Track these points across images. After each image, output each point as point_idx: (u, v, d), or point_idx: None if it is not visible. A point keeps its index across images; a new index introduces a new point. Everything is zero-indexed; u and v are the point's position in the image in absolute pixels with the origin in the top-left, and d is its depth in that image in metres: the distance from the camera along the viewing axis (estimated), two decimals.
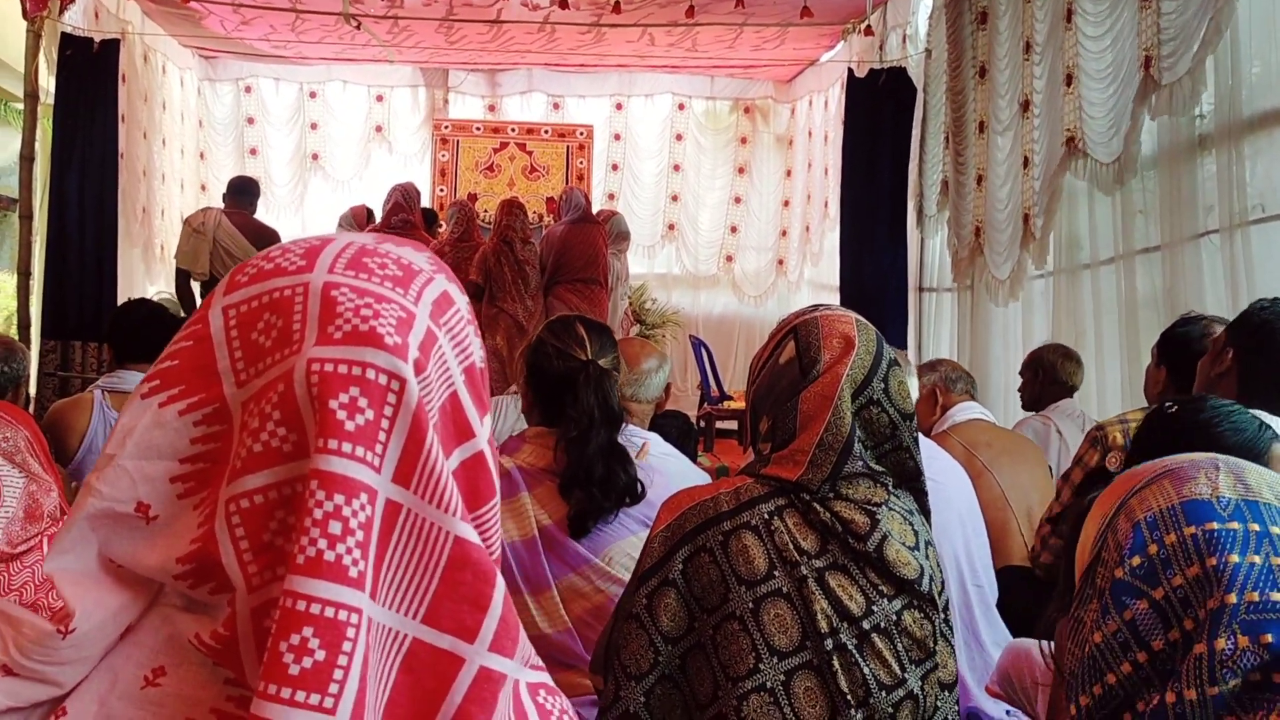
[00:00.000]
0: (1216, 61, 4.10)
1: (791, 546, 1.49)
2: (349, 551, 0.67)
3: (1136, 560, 1.10)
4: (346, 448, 0.68)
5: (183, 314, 6.73)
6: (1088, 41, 4.75)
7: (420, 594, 0.71)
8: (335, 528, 0.67)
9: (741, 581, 1.48)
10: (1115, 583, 1.10)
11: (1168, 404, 2.02)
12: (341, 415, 0.68)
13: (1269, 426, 1.94)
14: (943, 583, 1.57)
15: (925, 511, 1.63)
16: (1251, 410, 2.36)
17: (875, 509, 1.52)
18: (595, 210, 8.56)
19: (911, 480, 1.63)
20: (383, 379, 0.70)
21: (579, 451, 2.08)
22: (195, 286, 6.92)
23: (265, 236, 6.85)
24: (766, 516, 1.51)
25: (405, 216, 7.19)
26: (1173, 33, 4.18)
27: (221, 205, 7.06)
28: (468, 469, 0.75)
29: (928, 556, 1.54)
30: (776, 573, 1.48)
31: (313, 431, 0.69)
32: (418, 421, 0.71)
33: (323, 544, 0.66)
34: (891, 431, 1.59)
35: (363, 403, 0.69)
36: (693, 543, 1.53)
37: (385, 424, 0.70)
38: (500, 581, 0.73)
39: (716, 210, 10.59)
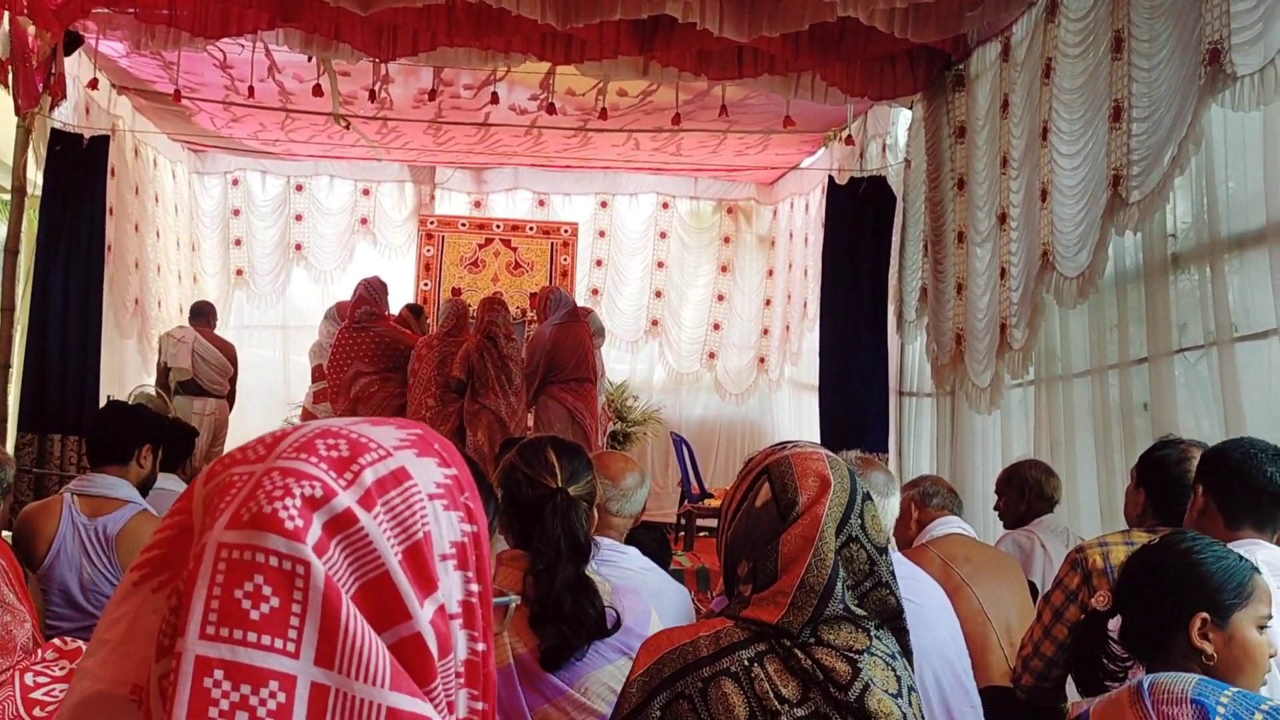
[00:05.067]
0: (1192, 181, 4.20)
1: (772, 695, 1.48)
2: None
3: None
4: (252, 637, 0.69)
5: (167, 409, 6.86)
6: (1061, 159, 4.86)
7: None
8: (242, 718, 0.67)
9: None
10: None
11: (1153, 539, 2.04)
12: (247, 605, 0.69)
13: (1246, 559, 1.97)
14: None
15: (908, 653, 1.63)
16: (1240, 540, 2.40)
17: (857, 656, 1.51)
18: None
19: (894, 619, 1.62)
20: (287, 564, 0.71)
21: (546, 584, 2.06)
22: (173, 384, 7.74)
23: (227, 349, 8.24)
24: (746, 663, 1.50)
25: (369, 309, 7.24)
26: (1142, 153, 4.28)
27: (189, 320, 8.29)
28: (402, 651, 0.75)
29: (910, 703, 1.53)
30: None
31: (196, 615, 0.69)
32: (329, 601, 0.71)
33: None
34: (870, 568, 1.60)
35: (267, 590, 0.70)
36: (671, 689, 1.51)
37: (296, 608, 0.70)
38: None
39: (700, 307, 10.69)
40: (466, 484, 0.84)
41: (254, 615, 0.69)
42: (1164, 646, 1.85)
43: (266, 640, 0.69)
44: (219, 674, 0.68)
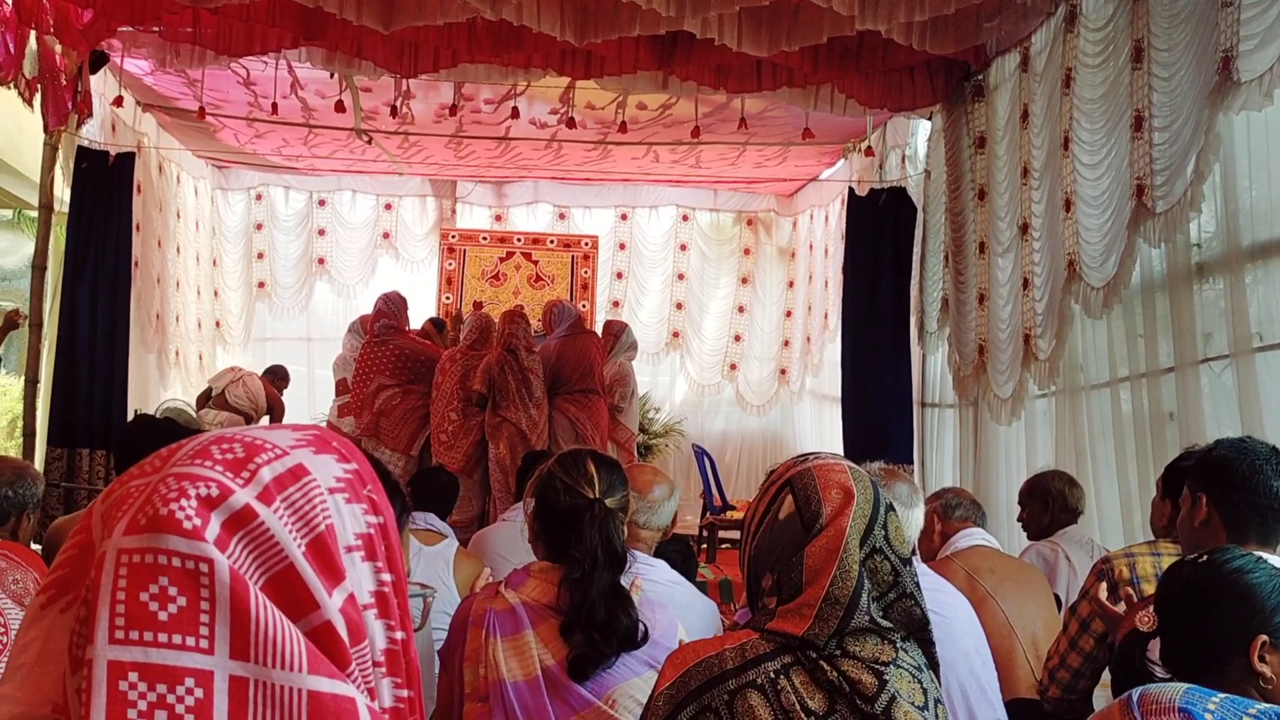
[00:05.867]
0: (1215, 190, 4.19)
1: (798, 707, 1.48)
2: None
3: None
4: (163, 637, 0.70)
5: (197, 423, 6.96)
6: (1084, 169, 4.85)
7: None
8: (161, 717, 0.69)
9: None
10: None
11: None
12: (154, 607, 0.70)
13: None
14: None
15: (934, 665, 1.62)
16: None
17: (883, 668, 1.51)
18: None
19: (919, 630, 1.62)
20: (189, 564, 0.72)
21: (582, 593, 2.07)
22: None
23: (272, 396, 8.56)
24: (772, 675, 1.50)
25: (388, 322, 7.28)
26: (1164, 162, 4.27)
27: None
28: (315, 640, 0.76)
29: (937, 716, 1.53)
30: None
31: (103, 622, 0.70)
32: (237, 595, 0.72)
33: None
34: (894, 579, 1.60)
35: (172, 590, 0.71)
36: (697, 702, 1.51)
37: (205, 605, 0.71)
38: None
39: (720, 319, 10.69)
40: (368, 477, 0.85)
41: (162, 616, 0.70)
42: (1214, 670, 1.78)
43: (178, 639, 0.70)
44: (133, 676, 0.69)
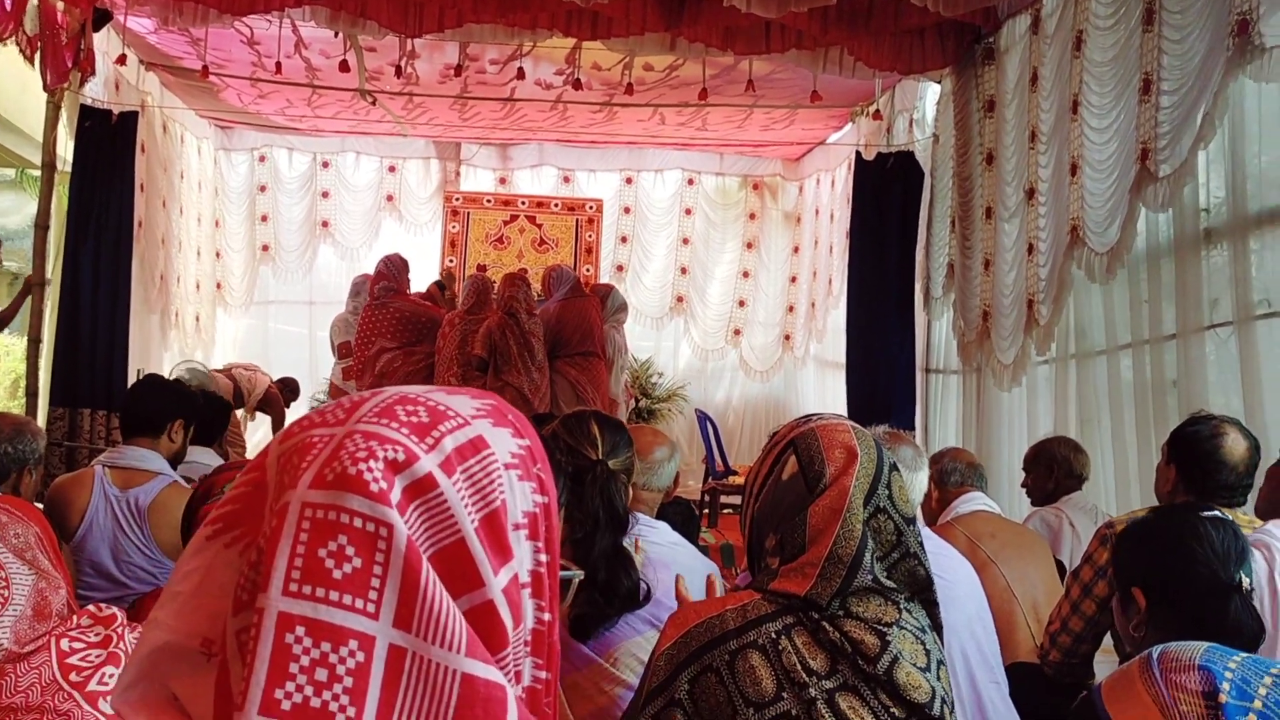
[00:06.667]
0: (1223, 156, 4.15)
1: (800, 667, 1.48)
2: (335, 698, 0.68)
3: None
4: (334, 596, 0.70)
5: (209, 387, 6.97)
6: (1091, 133, 4.81)
7: None
8: (321, 674, 0.68)
9: (749, 703, 1.46)
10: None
11: (1209, 513, 1.93)
12: (330, 564, 0.70)
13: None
14: (953, 703, 1.55)
15: (938, 626, 1.62)
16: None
17: (886, 629, 1.51)
18: (596, 282, 8.62)
19: (923, 590, 1.61)
20: (370, 526, 0.71)
21: (583, 555, 2.07)
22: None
23: (272, 398, 8.24)
24: (774, 636, 1.50)
25: (388, 284, 7.27)
26: (1169, 126, 4.23)
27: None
28: (474, 619, 0.76)
29: (939, 678, 1.53)
30: (785, 694, 1.47)
31: (279, 572, 0.70)
32: (410, 564, 0.72)
33: (309, 690, 0.68)
34: (898, 539, 1.59)
35: (350, 550, 0.71)
36: (699, 662, 1.51)
37: (378, 569, 0.71)
38: (513, 716, 0.74)
39: (725, 284, 10.65)
40: (539, 455, 0.85)
41: (336, 575, 0.70)
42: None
43: (348, 600, 0.70)
44: (300, 630, 0.69)
